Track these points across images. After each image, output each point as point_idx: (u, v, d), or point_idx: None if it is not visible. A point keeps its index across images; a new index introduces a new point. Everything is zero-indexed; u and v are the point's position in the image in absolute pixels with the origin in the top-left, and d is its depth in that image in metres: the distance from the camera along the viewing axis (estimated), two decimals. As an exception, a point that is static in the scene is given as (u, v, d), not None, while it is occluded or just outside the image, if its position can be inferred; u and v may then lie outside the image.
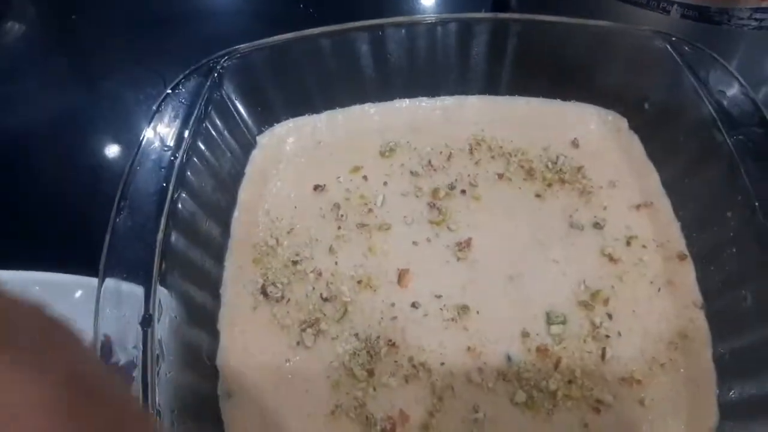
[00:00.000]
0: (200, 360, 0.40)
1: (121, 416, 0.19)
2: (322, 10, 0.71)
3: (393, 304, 0.43)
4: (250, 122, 0.52)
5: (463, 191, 0.49)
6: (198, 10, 0.75)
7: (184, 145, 0.42)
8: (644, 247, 0.45)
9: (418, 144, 0.52)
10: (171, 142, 0.42)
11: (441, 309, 0.43)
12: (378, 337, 0.41)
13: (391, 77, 0.53)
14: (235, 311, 0.43)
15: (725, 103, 0.43)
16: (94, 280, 0.35)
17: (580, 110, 0.53)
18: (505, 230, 0.47)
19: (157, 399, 0.32)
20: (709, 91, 0.43)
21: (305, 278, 0.44)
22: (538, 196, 0.49)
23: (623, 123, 0.52)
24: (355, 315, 0.43)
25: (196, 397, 0.38)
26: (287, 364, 0.41)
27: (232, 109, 0.50)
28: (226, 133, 0.48)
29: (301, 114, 0.54)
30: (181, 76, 0.46)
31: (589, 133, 0.52)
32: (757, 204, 0.38)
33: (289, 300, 0.44)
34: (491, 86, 0.54)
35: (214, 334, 0.42)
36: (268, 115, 0.53)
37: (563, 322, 0.42)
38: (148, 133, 0.42)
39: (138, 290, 0.35)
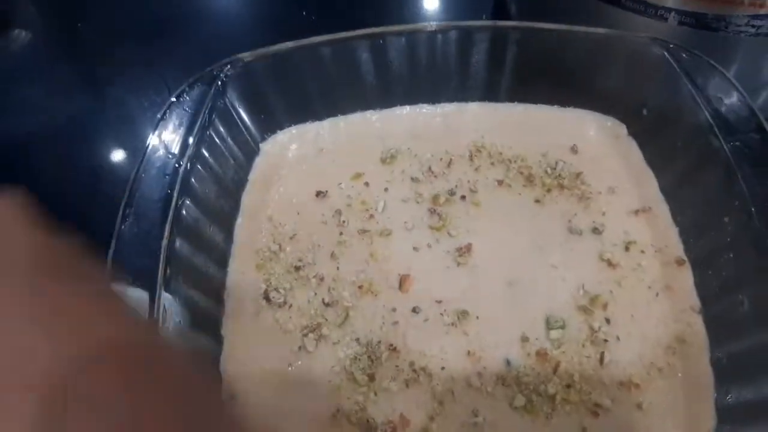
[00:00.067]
0: (204, 365, 0.40)
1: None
2: (324, 17, 0.71)
3: (394, 309, 0.43)
4: (253, 129, 0.52)
5: (463, 197, 0.49)
6: (201, 18, 0.75)
7: (188, 153, 0.43)
8: (642, 252, 0.46)
9: (419, 150, 0.53)
10: (175, 150, 0.43)
11: (441, 314, 0.43)
12: (379, 342, 0.42)
13: (392, 84, 0.53)
14: (239, 316, 0.44)
15: (722, 109, 0.43)
16: (100, 286, 0.36)
17: (579, 117, 0.54)
18: (505, 236, 0.47)
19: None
20: (706, 98, 0.44)
21: (307, 284, 0.45)
22: (537, 201, 0.49)
23: (622, 129, 0.53)
24: (357, 320, 0.43)
25: (199, 401, 0.38)
26: (289, 368, 0.41)
27: (236, 117, 0.50)
28: (229, 140, 0.49)
29: (304, 121, 0.55)
30: (185, 85, 0.46)
31: (587, 139, 0.53)
32: (753, 209, 0.39)
33: (291, 305, 0.44)
34: (491, 93, 0.55)
35: (218, 339, 0.42)
36: (270, 123, 0.53)
37: (562, 327, 0.42)
38: (152, 141, 0.43)
39: (143, 295, 0.36)
